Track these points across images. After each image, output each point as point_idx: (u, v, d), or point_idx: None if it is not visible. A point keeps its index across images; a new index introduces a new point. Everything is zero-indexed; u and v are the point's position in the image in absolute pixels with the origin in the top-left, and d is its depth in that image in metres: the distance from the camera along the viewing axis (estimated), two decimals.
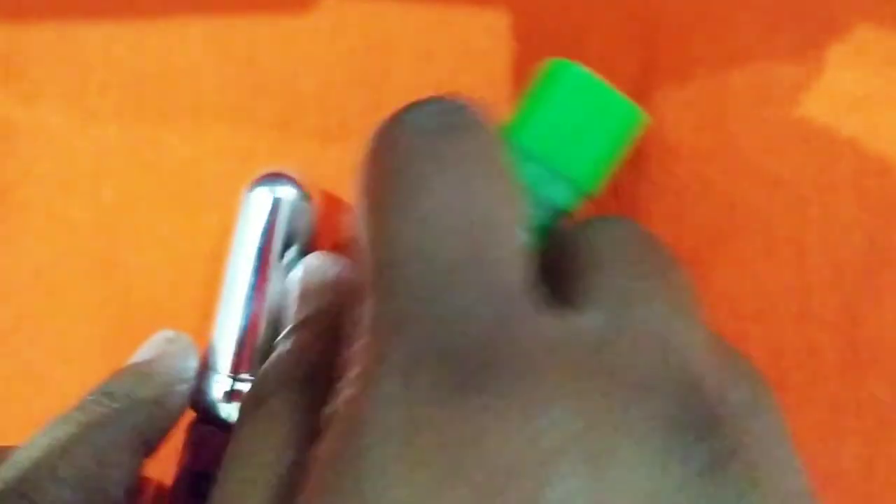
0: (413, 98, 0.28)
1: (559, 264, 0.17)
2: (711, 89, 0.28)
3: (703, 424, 0.14)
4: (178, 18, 0.28)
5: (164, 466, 0.24)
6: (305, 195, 0.25)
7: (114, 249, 0.27)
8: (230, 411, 0.24)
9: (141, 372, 0.22)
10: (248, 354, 0.24)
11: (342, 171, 0.27)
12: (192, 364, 0.24)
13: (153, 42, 0.28)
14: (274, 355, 0.18)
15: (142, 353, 0.24)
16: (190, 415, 0.24)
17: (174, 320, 0.27)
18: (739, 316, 0.27)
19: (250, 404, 0.17)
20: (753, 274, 0.27)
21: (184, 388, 0.23)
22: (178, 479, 0.24)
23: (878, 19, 0.28)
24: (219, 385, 0.24)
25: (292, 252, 0.24)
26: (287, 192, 0.24)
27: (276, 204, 0.24)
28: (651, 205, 0.27)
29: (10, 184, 0.27)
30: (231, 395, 0.24)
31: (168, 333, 0.24)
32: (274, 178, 0.25)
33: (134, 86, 0.27)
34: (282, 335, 0.20)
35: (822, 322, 0.27)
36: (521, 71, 0.28)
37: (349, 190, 0.27)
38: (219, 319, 0.25)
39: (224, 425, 0.24)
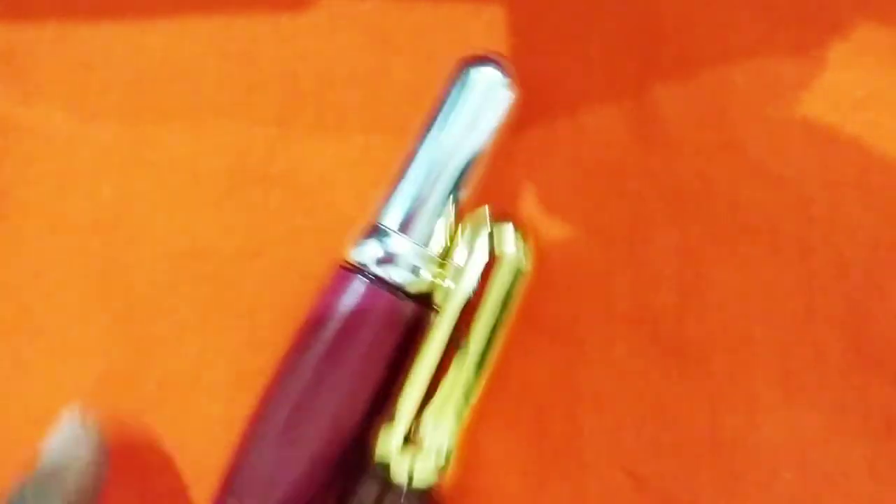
0: (410, 96, 0.28)
1: None
2: (714, 87, 0.27)
3: None
4: (178, 18, 0.28)
5: None
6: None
7: (113, 248, 0.27)
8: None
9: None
10: None
11: (340, 169, 0.27)
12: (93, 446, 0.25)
13: (153, 42, 0.28)
14: None
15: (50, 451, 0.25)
16: None
17: (174, 320, 0.27)
18: (744, 316, 0.27)
19: None
20: (758, 274, 0.27)
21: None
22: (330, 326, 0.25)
23: (880, 18, 0.28)
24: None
25: None
26: None
27: None
28: (654, 204, 0.27)
29: (10, 183, 0.27)
30: None
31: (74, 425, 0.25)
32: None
33: (134, 85, 0.28)
34: None
35: (827, 322, 0.27)
36: (522, 71, 0.28)
37: (343, 187, 0.27)
38: None
39: None
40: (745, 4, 0.28)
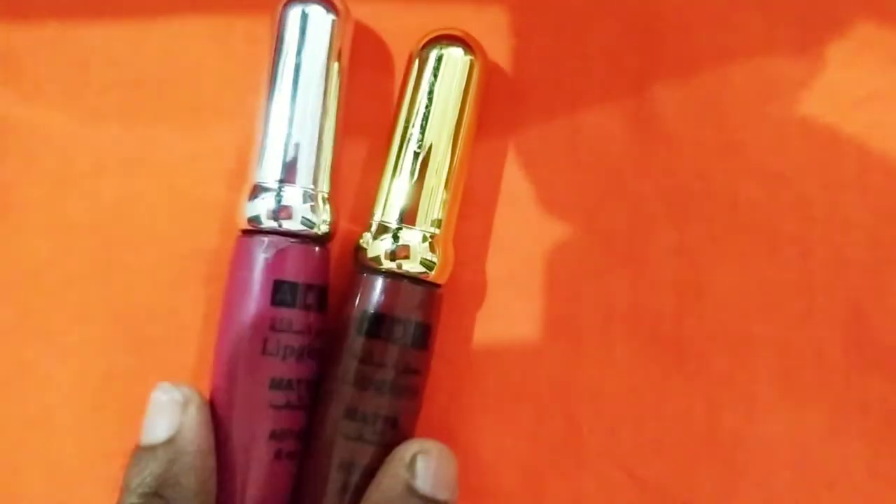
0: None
1: None
2: (713, 86, 0.27)
3: None
4: (178, 18, 0.28)
5: None
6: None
7: (113, 249, 0.27)
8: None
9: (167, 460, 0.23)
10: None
11: (342, 169, 0.27)
12: (208, 428, 0.24)
13: (153, 41, 0.28)
14: None
15: (153, 426, 0.24)
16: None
17: (174, 320, 0.27)
18: (744, 316, 0.27)
19: None
20: (757, 273, 0.27)
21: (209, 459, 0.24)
22: (264, 289, 0.24)
23: (881, 17, 0.28)
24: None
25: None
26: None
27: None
28: (654, 204, 0.27)
29: (10, 183, 0.27)
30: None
31: (171, 394, 0.24)
32: None
33: (134, 85, 0.27)
34: None
35: (826, 321, 0.27)
36: (522, 70, 0.28)
37: (345, 187, 0.27)
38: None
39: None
40: (745, 4, 0.28)
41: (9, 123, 0.27)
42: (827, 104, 0.27)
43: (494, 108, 0.27)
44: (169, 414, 0.24)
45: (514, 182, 0.27)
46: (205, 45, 0.28)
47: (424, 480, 0.24)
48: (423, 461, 0.24)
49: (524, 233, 0.27)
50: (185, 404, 0.24)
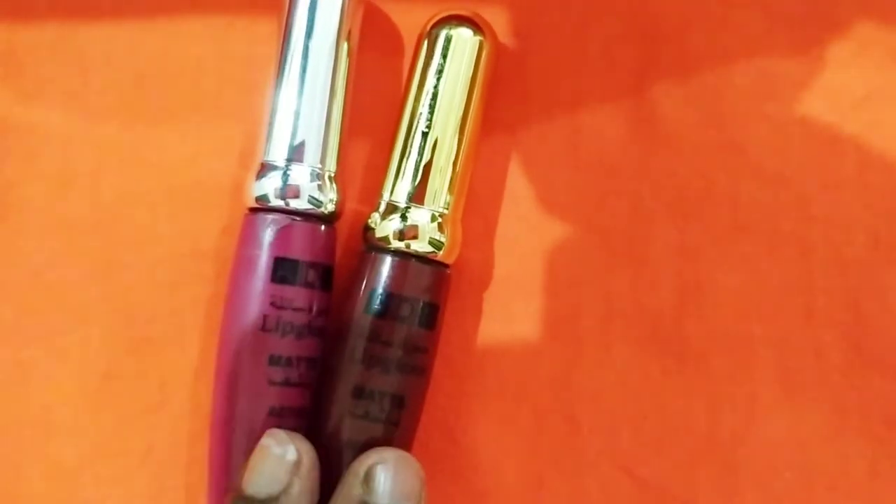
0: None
1: None
2: (713, 86, 0.27)
3: None
4: (178, 18, 0.28)
5: None
6: None
7: (113, 248, 0.27)
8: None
9: None
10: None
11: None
12: (315, 490, 0.23)
13: (153, 41, 0.28)
14: None
15: (259, 477, 0.23)
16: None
17: (174, 320, 0.27)
18: (744, 315, 0.27)
19: None
20: (757, 273, 0.27)
21: None
22: (266, 266, 0.25)
23: (880, 17, 0.28)
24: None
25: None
26: None
27: None
28: (654, 204, 0.27)
29: (10, 183, 0.27)
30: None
31: (286, 449, 0.23)
32: None
33: (134, 85, 0.27)
34: None
35: (827, 321, 0.27)
36: (522, 70, 0.28)
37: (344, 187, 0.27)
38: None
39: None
40: (745, 4, 0.28)
41: (9, 123, 0.27)
42: (827, 104, 0.27)
43: (494, 108, 0.27)
44: (279, 471, 0.23)
45: (514, 182, 0.27)
46: (205, 45, 0.28)
47: (381, 495, 0.22)
48: (379, 474, 0.23)
49: (524, 233, 0.27)
50: (297, 464, 0.23)
